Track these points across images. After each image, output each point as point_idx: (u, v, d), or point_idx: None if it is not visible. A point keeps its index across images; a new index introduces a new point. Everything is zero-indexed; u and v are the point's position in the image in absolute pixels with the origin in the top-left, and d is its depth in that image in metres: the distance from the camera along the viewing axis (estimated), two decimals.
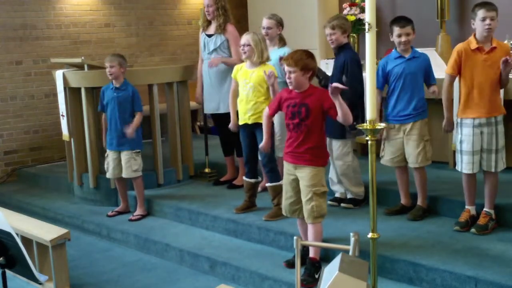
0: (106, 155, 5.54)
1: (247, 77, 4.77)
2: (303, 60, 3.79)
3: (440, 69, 5.76)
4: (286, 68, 3.83)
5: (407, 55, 4.49)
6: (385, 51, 6.25)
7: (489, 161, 4.12)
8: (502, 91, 4.50)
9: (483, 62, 4.08)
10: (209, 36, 5.67)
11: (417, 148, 4.47)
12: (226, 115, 5.62)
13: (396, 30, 4.44)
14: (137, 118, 5.38)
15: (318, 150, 3.87)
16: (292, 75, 3.80)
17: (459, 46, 4.20)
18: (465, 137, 4.16)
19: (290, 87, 3.90)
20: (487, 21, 4.01)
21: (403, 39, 4.42)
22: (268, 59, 4.77)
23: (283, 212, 4.13)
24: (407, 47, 4.47)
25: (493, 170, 4.13)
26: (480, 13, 4.04)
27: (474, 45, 4.11)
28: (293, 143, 3.90)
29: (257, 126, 4.72)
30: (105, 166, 5.54)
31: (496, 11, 4.05)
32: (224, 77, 5.56)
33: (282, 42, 5.26)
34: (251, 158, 4.92)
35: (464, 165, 4.17)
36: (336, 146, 4.79)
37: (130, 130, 5.30)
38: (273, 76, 4.54)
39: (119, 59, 5.35)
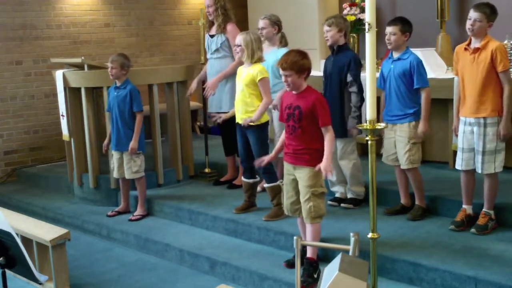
0: (111, 154, 5.55)
1: (239, 76, 4.77)
2: (298, 62, 3.76)
3: (440, 69, 5.78)
4: (282, 71, 3.81)
5: (395, 56, 4.49)
6: (385, 51, 6.26)
7: (477, 162, 4.12)
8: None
9: (470, 62, 4.08)
10: (212, 36, 5.70)
11: (403, 150, 4.47)
12: None
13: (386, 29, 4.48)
14: (137, 122, 5.34)
15: (316, 151, 3.83)
16: (289, 79, 3.78)
17: (457, 46, 4.24)
18: (459, 133, 4.23)
19: (288, 89, 3.90)
20: (469, 21, 4.02)
21: (387, 38, 4.44)
22: (260, 60, 4.69)
23: (285, 211, 4.13)
24: (393, 47, 4.46)
25: (479, 171, 4.12)
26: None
27: (464, 44, 4.15)
28: (291, 144, 3.89)
29: (248, 127, 4.69)
30: (111, 166, 5.56)
31: (484, 13, 3.98)
32: (226, 77, 5.55)
33: (283, 42, 5.23)
34: (246, 158, 4.88)
35: (456, 160, 4.26)
36: (339, 146, 4.79)
37: (132, 143, 5.31)
38: (247, 122, 4.62)
39: (122, 60, 5.31)
